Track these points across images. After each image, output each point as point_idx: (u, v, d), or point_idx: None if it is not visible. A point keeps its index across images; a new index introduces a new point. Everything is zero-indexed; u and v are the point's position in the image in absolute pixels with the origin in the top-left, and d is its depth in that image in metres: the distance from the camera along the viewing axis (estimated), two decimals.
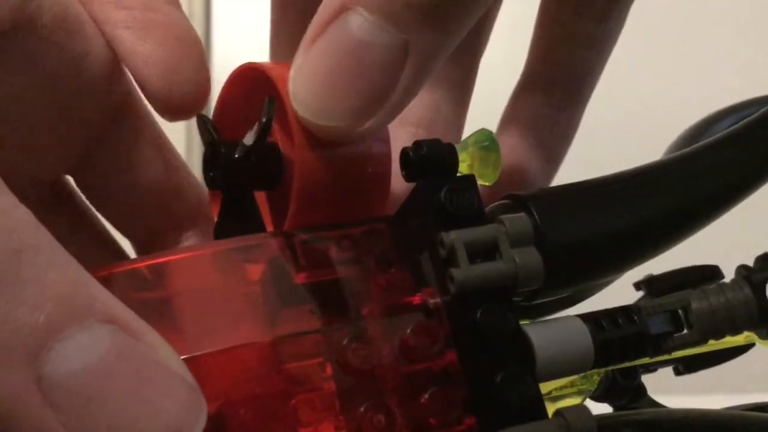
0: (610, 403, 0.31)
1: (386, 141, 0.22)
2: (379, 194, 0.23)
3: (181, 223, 0.26)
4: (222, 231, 0.23)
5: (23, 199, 0.16)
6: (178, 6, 0.24)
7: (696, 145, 0.24)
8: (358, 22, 0.19)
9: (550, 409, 0.20)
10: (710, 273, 0.30)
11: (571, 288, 0.22)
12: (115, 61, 0.23)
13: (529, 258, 0.20)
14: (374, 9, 0.19)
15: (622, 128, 0.84)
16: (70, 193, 0.27)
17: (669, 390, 0.35)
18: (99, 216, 0.27)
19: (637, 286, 0.32)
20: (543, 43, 0.31)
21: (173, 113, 0.23)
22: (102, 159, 0.25)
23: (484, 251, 0.20)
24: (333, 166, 0.22)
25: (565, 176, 0.26)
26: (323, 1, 0.20)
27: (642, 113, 0.86)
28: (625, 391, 0.30)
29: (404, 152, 0.21)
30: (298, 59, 0.20)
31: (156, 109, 0.23)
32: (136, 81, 0.23)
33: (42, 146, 0.24)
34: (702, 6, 0.89)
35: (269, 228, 0.24)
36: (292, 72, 0.20)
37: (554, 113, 0.31)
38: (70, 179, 0.26)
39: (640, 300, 0.31)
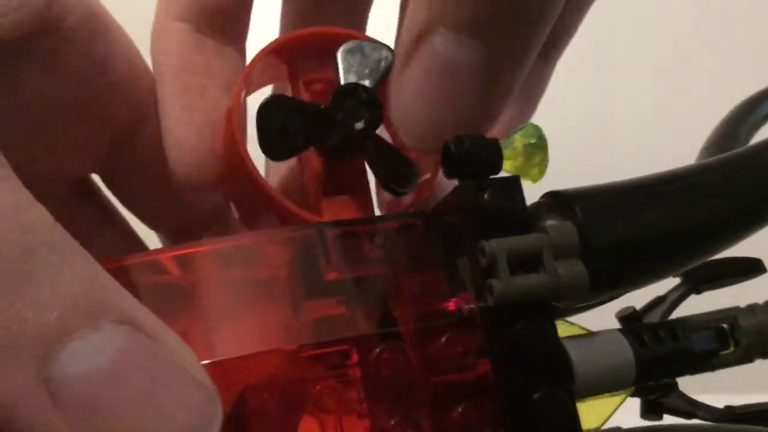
0: (641, 398, 0.30)
1: None
2: None
3: (207, 217, 0.26)
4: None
5: (48, 196, 0.16)
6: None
7: (750, 145, 0.23)
8: (445, 42, 0.19)
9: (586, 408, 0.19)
10: (753, 266, 0.29)
11: (614, 293, 0.22)
12: (138, 61, 0.23)
13: (573, 271, 0.18)
14: (457, 26, 0.19)
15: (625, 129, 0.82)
16: (95, 191, 0.27)
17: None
18: (123, 213, 0.27)
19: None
20: None
21: (188, 194, 0.24)
22: (128, 156, 0.25)
23: (526, 262, 0.19)
24: None
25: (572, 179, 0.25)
26: (405, 25, 0.20)
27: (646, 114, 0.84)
28: (656, 386, 0.29)
29: (446, 146, 0.20)
30: (393, 86, 0.20)
31: (175, 185, 0.24)
32: (167, 157, 0.24)
33: (67, 145, 0.24)
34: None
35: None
36: (391, 100, 0.20)
37: None
38: (95, 177, 0.26)
39: (675, 289, 0.30)
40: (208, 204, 0.26)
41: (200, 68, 0.23)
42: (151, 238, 0.27)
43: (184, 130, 0.23)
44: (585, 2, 0.31)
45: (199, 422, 0.15)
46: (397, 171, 0.22)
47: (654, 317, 0.30)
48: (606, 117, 0.73)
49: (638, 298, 0.28)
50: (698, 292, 0.30)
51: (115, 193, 0.27)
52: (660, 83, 0.81)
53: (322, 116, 0.22)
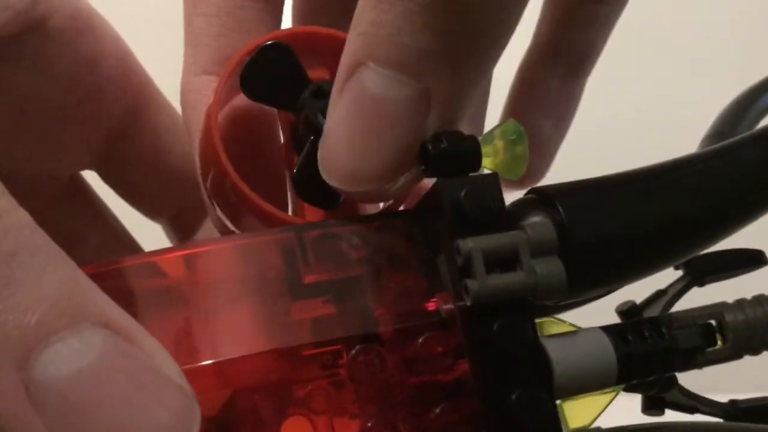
0: (642, 393, 0.30)
1: None
2: None
3: (204, 204, 0.26)
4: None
5: (41, 194, 0.16)
6: None
7: (734, 139, 0.23)
8: (373, 78, 0.18)
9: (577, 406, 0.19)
10: (755, 258, 0.29)
11: (596, 291, 0.21)
12: (128, 59, 0.24)
13: (551, 270, 0.18)
14: (387, 62, 0.18)
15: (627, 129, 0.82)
16: (86, 189, 0.27)
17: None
18: (112, 211, 0.28)
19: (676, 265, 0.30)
20: (549, 22, 0.34)
21: None
22: (124, 151, 0.25)
23: (504, 260, 0.18)
24: None
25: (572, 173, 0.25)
26: (341, 60, 0.19)
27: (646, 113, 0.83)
28: (656, 381, 0.29)
29: (423, 145, 0.20)
30: (326, 125, 0.19)
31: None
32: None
33: (60, 144, 0.24)
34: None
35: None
36: (322, 138, 0.19)
37: (560, 83, 0.34)
38: (83, 176, 0.27)
39: (677, 282, 0.29)
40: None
41: None
42: (140, 235, 0.28)
43: None
44: (610, 18, 0.33)
45: (177, 423, 0.16)
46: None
47: (655, 311, 0.30)
48: (603, 113, 0.72)
49: (639, 291, 0.28)
50: (701, 284, 0.30)
51: (112, 187, 0.27)
52: (657, 77, 0.80)
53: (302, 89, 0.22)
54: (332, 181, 0.19)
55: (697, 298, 0.30)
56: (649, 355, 0.19)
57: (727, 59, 0.81)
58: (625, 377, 0.19)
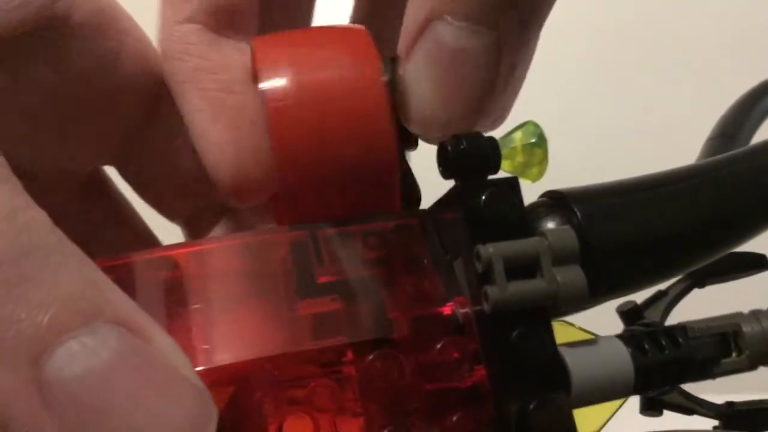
0: (640, 395, 0.30)
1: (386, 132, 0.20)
2: (386, 188, 0.21)
3: (222, 203, 0.26)
4: None
5: (62, 191, 0.16)
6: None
7: (752, 144, 0.22)
8: (450, 30, 0.19)
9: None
10: (757, 261, 0.29)
11: (610, 298, 0.21)
12: (151, 54, 0.23)
13: (572, 278, 0.18)
14: (462, 15, 0.19)
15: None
16: (108, 185, 0.27)
17: None
18: (134, 207, 0.27)
19: None
20: None
21: (239, 200, 0.22)
22: (142, 149, 0.25)
23: (524, 267, 0.18)
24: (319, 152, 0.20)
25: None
26: (408, 13, 0.20)
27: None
28: None
29: (442, 146, 0.19)
30: (402, 77, 0.20)
31: (222, 195, 0.22)
32: (206, 166, 0.22)
33: (79, 140, 0.23)
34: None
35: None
36: (400, 91, 0.20)
37: None
38: (105, 171, 0.26)
39: (677, 283, 0.29)
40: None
41: (220, 66, 0.22)
42: (163, 233, 0.27)
43: (219, 132, 0.21)
44: None
45: (193, 424, 0.15)
46: None
47: (656, 312, 0.30)
48: (604, 115, 0.72)
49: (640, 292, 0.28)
50: (701, 286, 0.30)
51: (130, 184, 0.26)
52: (662, 80, 0.80)
53: None
54: (420, 130, 0.20)
55: (697, 300, 0.30)
56: (665, 365, 0.19)
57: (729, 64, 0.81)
58: (641, 388, 0.19)
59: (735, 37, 0.82)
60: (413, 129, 0.20)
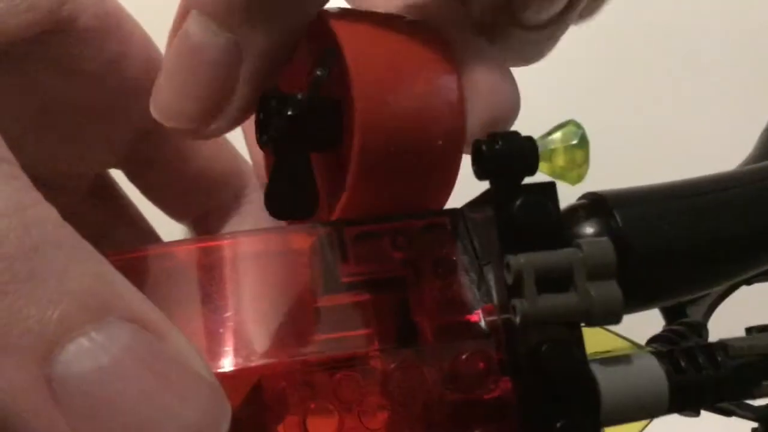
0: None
1: (459, 114, 0.20)
2: (446, 176, 0.20)
3: (228, 205, 0.26)
4: (272, 198, 0.21)
5: (69, 192, 0.18)
6: None
7: None
8: (193, 24, 0.19)
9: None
10: None
11: (646, 308, 0.20)
12: (157, 56, 0.23)
13: (607, 295, 0.17)
14: (206, 12, 0.19)
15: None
16: (113, 187, 0.27)
17: None
18: (139, 209, 0.27)
19: None
20: None
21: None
22: (150, 151, 0.25)
23: (556, 280, 0.17)
24: (398, 131, 0.19)
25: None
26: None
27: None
28: None
29: (476, 145, 0.19)
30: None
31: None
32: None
33: (87, 142, 0.24)
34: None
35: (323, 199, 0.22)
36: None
37: None
38: (110, 172, 0.27)
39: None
40: (230, 193, 0.26)
41: None
42: (167, 235, 0.27)
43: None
44: None
45: (206, 420, 0.15)
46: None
47: (699, 311, 0.29)
48: (604, 115, 0.70)
49: None
50: (749, 282, 0.28)
51: (138, 187, 0.27)
52: (662, 80, 0.78)
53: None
54: (156, 114, 0.20)
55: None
56: (702, 386, 0.18)
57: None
58: (675, 408, 0.18)
59: (735, 37, 0.80)
60: (154, 115, 0.20)
